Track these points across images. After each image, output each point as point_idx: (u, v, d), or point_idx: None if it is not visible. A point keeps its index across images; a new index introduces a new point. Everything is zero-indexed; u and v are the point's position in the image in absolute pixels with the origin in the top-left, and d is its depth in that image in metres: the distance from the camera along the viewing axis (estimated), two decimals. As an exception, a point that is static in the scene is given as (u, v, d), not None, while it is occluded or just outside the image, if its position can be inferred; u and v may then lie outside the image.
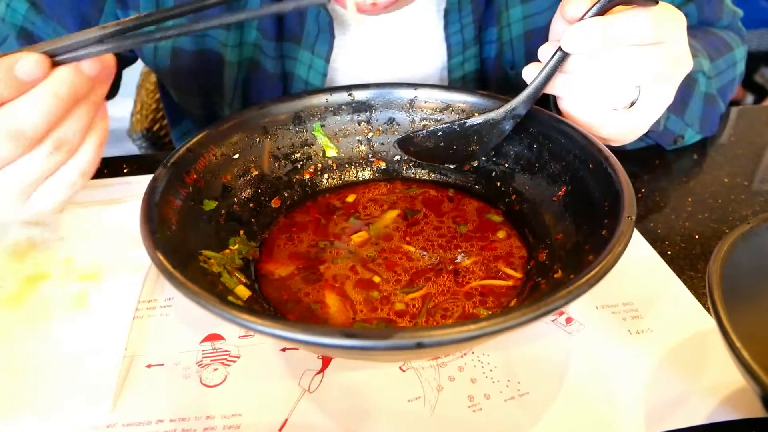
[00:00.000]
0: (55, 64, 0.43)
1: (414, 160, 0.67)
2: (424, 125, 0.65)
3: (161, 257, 0.41)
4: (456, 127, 0.61)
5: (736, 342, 0.41)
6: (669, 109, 0.77)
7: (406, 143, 0.65)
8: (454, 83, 0.82)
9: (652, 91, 0.55)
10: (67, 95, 0.43)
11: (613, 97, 0.55)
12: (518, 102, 0.58)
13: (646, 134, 0.81)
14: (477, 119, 0.60)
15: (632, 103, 0.56)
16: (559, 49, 0.53)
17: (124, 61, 0.90)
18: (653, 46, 0.53)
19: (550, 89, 0.57)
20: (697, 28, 0.89)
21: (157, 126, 1.27)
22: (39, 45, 0.43)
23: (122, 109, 1.39)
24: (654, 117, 0.59)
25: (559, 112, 0.68)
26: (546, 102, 0.72)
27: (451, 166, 0.66)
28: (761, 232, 0.50)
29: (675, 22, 0.54)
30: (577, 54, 0.53)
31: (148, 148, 1.24)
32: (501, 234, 0.59)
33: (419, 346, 0.35)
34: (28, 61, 0.41)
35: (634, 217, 0.45)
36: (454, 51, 0.80)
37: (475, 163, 0.65)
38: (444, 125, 0.62)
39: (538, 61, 0.57)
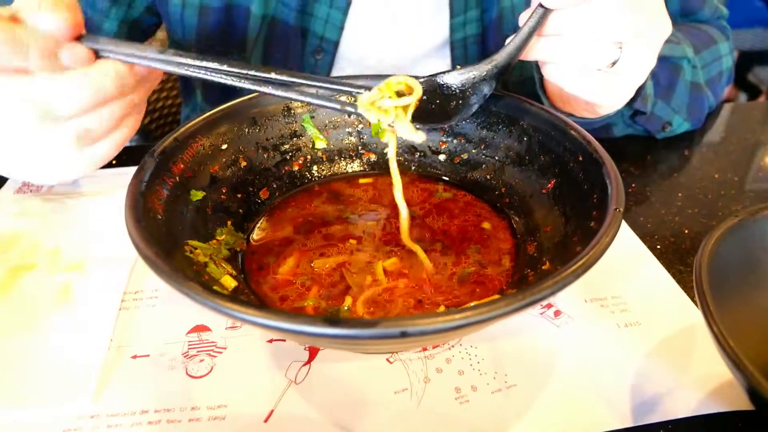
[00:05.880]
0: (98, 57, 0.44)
1: (401, 147, 0.66)
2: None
3: (144, 245, 0.41)
4: (437, 80, 0.60)
5: (722, 333, 0.41)
6: (656, 95, 0.78)
7: None
8: (455, 44, 0.85)
9: (633, 50, 0.55)
10: (111, 89, 0.43)
11: (595, 56, 0.55)
12: (499, 59, 0.57)
13: (634, 120, 0.82)
14: (458, 72, 0.59)
15: (614, 63, 0.56)
16: (540, 5, 0.53)
17: (144, 31, 0.92)
18: (631, 2, 0.53)
19: (533, 55, 0.57)
20: (680, 23, 0.90)
21: (147, 119, 1.26)
22: (89, 37, 0.43)
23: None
24: (638, 79, 0.59)
25: (545, 95, 0.68)
26: (535, 97, 0.72)
27: (442, 158, 0.65)
28: (749, 226, 0.50)
29: None
30: (556, 10, 0.54)
31: (140, 142, 1.23)
32: (487, 225, 0.59)
33: (404, 335, 0.35)
34: (77, 52, 0.42)
35: (622, 209, 0.45)
36: (456, 9, 0.82)
37: (465, 156, 0.64)
38: (425, 78, 0.60)
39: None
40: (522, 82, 0.90)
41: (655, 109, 0.80)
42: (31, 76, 0.42)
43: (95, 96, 0.43)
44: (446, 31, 0.85)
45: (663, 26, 0.57)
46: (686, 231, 0.69)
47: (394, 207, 0.61)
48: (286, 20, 0.81)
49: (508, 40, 0.57)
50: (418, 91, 0.51)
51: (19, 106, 0.42)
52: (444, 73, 0.59)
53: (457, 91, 0.59)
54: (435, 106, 0.60)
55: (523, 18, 0.55)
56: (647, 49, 0.57)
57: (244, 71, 0.49)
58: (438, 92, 0.60)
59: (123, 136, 0.48)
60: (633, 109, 0.77)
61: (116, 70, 0.43)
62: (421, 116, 0.62)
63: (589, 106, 0.63)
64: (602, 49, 0.55)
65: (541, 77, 0.64)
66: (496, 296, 0.50)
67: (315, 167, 0.66)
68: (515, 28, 0.56)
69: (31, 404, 0.48)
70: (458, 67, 0.59)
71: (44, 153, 0.45)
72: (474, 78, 0.58)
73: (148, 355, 0.53)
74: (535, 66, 0.62)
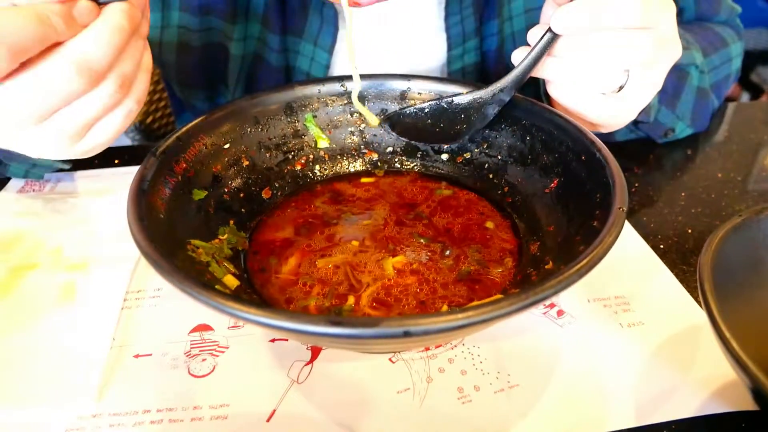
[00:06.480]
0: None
1: (403, 146, 0.66)
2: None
3: (146, 244, 0.41)
4: (443, 104, 0.61)
5: (726, 333, 0.40)
6: (660, 102, 0.77)
7: (392, 120, 0.64)
8: (453, 75, 0.82)
9: (641, 76, 0.55)
10: (129, 27, 0.44)
11: (602, 81, 0.55)
12: (506, 82, 0.58)
13: (636, 126, 0.81)
14: (464, 97, 0.60)
15: (620, 88, 0.56)
16: (549, 30, 0.53)
17: None
18: (641, 30, 0.53)
19: (539, 73, 0.57)
20: (692, 23, 0.89)
21: (150, 119, 1.26)
22: None
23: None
24: (643, 102, 0.59)
25: (548, 98, 0.68)
26: (538, 95, 0.72)
27: (444, 158, 0.65)
28: (752, 225, 0.50)
29: (664, 7, 0.54)
30: (566, 35, 0.53)
31: (142, 141, 1.23)
32: (489, 224, 0.59)
33: (406, 334, 0.35)
34: (86, 6, 0.42)
35: (625, 208, 0.45)
36: (453, 42, 0.80)
37: (468, 155, 0.64)
38: (431, 102, 0.62)
39: (530, 46, 0.56)
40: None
41: (659, 116, 0.79)
42: (63, 45, 0.42)
43: (121, 38, 0.44)
44: (442, 64, 0.83)
45: (672, 52, 0.57)
46: (689, 231, 0.69)
47: (397, 206, 0.61)
48: (268, 60, 0.80)
49: (516, 59, 0.56)
50: None
51: (64, 75, 0.42)
52: (451, 97, 0.60)
53: (463, 113, 0.60)
54: (439, 129, 0.61)
55: (532, 37, 0.55)
56: (654, 75, 0.56)
57: None
58: (444, 114, 0.61)
59: (148, 70, 0.49)
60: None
61: (123, 9, 0.44)
62: (429, 137, 0.63)
63: (591, 125, 0.62)
64: (609, 75, 0.55)
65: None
66: (499, 296, 0.50)
67: (317, 167, 0.65)
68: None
69: (33, 404, 0.48)
70: (464, 93, 0.60)
71: (96, 115, 0.45)
72: (480, 102, 0.59)
73: (150, 355, 0.53)
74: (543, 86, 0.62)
